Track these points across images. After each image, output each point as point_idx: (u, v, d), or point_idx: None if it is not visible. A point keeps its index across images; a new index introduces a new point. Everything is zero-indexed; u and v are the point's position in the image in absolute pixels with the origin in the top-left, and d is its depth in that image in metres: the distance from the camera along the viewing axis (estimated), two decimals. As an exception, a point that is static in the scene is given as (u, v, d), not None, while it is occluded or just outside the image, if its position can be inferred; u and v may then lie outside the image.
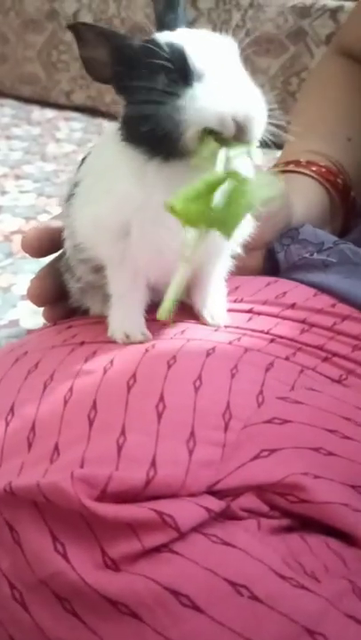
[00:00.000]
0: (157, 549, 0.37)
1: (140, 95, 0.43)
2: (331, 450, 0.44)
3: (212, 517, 0.39)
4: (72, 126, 1.84)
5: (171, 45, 0.42)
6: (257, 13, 1.66)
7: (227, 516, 0.40)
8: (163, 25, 0.47)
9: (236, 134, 0.41)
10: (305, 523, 0.42)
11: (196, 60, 0.42)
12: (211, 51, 0.43)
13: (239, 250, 0.51)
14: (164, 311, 0.40)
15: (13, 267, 1.18)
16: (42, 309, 0.57)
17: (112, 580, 0.36)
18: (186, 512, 0.37)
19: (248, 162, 0.44)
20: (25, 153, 1.70)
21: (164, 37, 0.44)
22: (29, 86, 1.97)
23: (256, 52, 1.68)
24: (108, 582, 0.36)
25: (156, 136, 0.42)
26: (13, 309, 1.08)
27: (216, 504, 0.39)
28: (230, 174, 0.40)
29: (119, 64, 0.44)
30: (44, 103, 1.97)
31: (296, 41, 1.64)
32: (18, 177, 1.57)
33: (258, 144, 0.43)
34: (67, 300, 0.56)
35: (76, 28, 0.43)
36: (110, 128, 0.48)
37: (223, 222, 0.40)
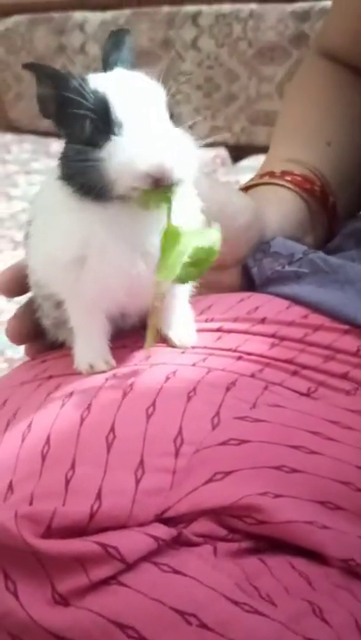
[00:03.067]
0: (106, 582, 0.37)
1: (70, 140, 0.45)
2: (295, 467, 0.44)
3: (164, 545, 0.38)
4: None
5: (95, 93, 0.43)
6: (257, 23, 1.66)
7: (181, 542, 0.39)
8: (106, 64, 0.48)
9: (158, 184, 0.42)
10: (274, 544, 0.42)
11: (117, 109, 0.43)
12: (133, 98, 0.44)
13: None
14: (148, 344, 0.46)
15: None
16: None
17: (59, 615, 0.36)
18: (131, 542, 0.37)
19: (187, 203, 0.46)
20: (43, 186, 1.73)
21: (94, 81, 0.44)
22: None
23: (261, 62, 1.68)
24: (55, 618, 0.36)
25: (83, 183, 0.43)
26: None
27: (166, 532, 0.39)
28: (168, 227, 0.43)
29: (57, 103, 0.45)
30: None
31: (299, 45, 1.63)
32: (36, 211, 1.60)
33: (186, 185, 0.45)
34: (46, 335, 0.57)
35: (32, 67, 0.46)
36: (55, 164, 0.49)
37: (161, 268, 0.43)
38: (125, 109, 0.43)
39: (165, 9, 1.78)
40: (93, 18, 1.89)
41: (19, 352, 1.09)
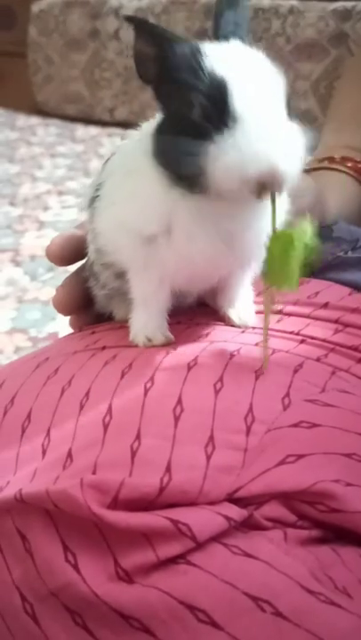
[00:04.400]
0: (173, 560, 0.35)
1: (169, 116, 0.41)
2: (365, 456, 0.41)
3: (233, 527, 0.36)
4: (115, 142, 1.86)
5: (212, 74, 0.38)
6: (297, 19, 1.64)
7: (250, 525, 0.37)
8: (218, 28, 0.42)
9: (265, 188, 0.38)
10: (339, 534, 0.40)
11: (236, 99, 0.38)
12: (255, 88, 0.38)
13: None
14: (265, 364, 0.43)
15: (54, 280, 1.18)
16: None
17: (124, 592, 0.34)
18: (203, 520, 0.35)
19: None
20: (68, 170, 1.72)
21: (210, 56, 0.39)
22: (74, 105, 2.01)
23: (298, 58, 1.66)
24: (120, 595, 0.34)
25: (179, 172, 0.40)
26: (53, 322, 1.08)
27: (237, 512, 0.36)
28: (278, 233, 0.40)
29: (161, 68, 0.40)
30: (88, 121, 2.00)
31: (338, 44, 1.61)
32: (61, 193, 1.59)
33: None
34: (92, 307, 0.55)
35: (133, 20, 0.40)
36: (143, 128, 0.45)
37: (280, 277, 0.40)
38: (245, 101, 0.37)
39: (203, -1, 1.76)
40: (129, 4, 1.87)
41: (42, 331, 1.07)
